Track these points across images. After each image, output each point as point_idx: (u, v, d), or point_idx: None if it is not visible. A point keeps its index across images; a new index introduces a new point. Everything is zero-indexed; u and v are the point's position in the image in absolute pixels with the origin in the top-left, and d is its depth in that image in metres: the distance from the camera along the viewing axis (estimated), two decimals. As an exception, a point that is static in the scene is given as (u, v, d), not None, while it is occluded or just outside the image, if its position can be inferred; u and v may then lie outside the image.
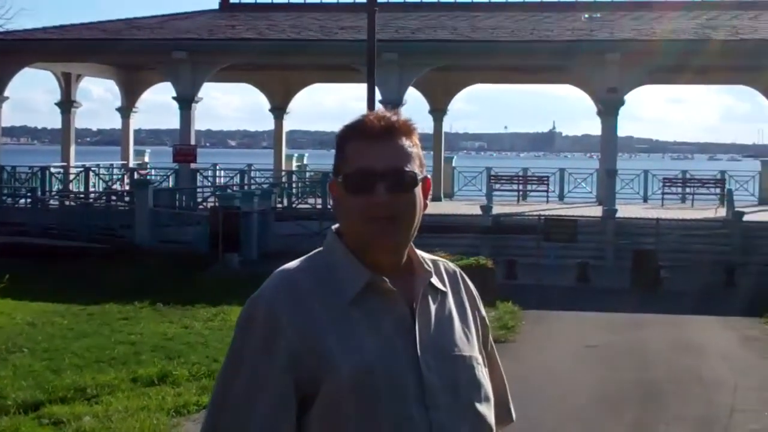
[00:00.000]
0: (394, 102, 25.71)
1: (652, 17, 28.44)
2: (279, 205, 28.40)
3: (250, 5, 32.24)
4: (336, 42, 26.93)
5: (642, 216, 26.51)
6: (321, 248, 2.34)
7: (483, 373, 2.34)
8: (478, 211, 25.23)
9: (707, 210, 29.94)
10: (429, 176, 2.35)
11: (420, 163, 2.30)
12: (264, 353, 2.19)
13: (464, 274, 2.47)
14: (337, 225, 2.34)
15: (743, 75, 31.70)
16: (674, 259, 21.60)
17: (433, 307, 2.31)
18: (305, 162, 39.59)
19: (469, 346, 2.33)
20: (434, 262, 2.39)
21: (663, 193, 33.15)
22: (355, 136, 2.28)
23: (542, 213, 26.44)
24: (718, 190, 33.01)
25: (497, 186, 32.83)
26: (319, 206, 28.07)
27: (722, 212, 28.47)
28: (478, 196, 33.73)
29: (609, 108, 26.10)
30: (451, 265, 2.45)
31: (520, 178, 34.89)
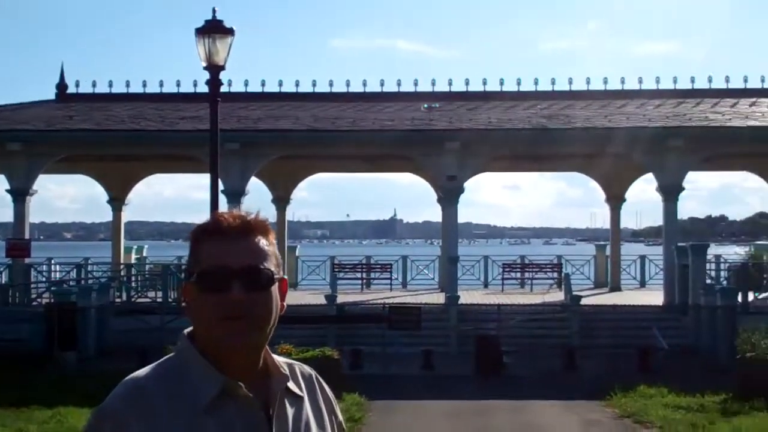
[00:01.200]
0: (236, 192, 25.58)
1: (488, 107, 29.24)
2: (118, 300, 27.60)
3: (88, 96, 31.61)
4: (176, 132, 26.64)
5: (484, 302, 26.93)
6: (172, 354, 2.25)
7: None
8: (322, 300, 25.12)
9: (540, 294, 30.66)
10: (286, 277, 2.31)
11: (276, 263, 2.25)
12: None
13: (320, 378, 2.42)
14: (189, 329, 2.26)
15: (576, 162, 32.86)
16: (516, 344, 21.90)
17: (290, 413, 2.24)
18: (144, 254, 38.76)
19: None
20: (290, 365, 2.33)
21: (503, 279, 33.76)
22: (209, 236, 2.22)
23: (386, 301, 26.53)
24: (555, 275, 33.88)
25: (341, 274, 32.85)
26: (160, 299, 27.41)
27: (558, 295, 29.23)
28: (322, 285, 33.67)
29: (449, 195, 26.59)
30: (307, 369, 2.39)
31: (364, 266, 35.04)
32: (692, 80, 30.36)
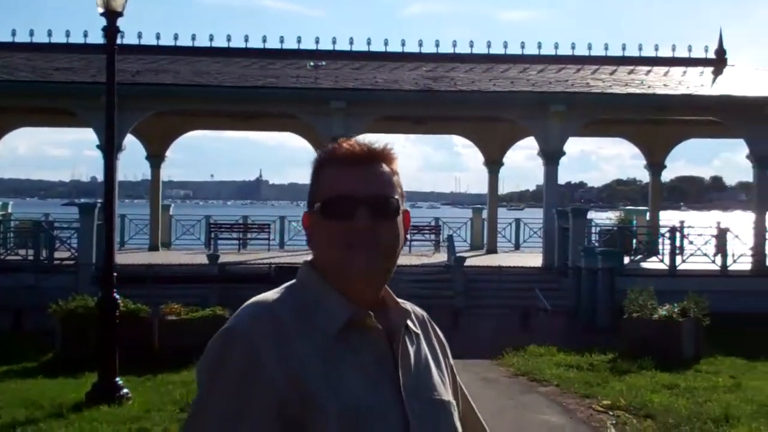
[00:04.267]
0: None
1: (373, 67, 29.07)
2: (-15, 258, 26.43)
3: (-48, 45, 30.08)
4: (54, 84, 25.64)
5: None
6: (293, 281, 2.18)
7: (458, 421, 2.22)
8: (200, 260, 24.69)
9: (419, 255, 30.81)
10: (408, 209, 2.25)
11: (401, 193, 2.20)
12: (241, 399, 1.97)
13: (432, 320, 2.38)
14: (309, 258, 2.20)
15: (457, 125, 33.06)
16: (403, 305, 21.92)
17: (411, 349, 2.19)
18: (10, 210, 37.31)
19: (447, 392, 2.23)
20: (404, 304, 2.28)
21: (379, 240, 33.80)
22: (333, 162, 2.16)
23: (265, 261, 26.28)
24: (433, 236, 34.13)
25: (217, 234, 32.36)
26: (32, 257, 26.42)
27: (437, 257, 29.45)
28: (196, 245, 33.24)
29: (335, 156, 26.26)
30: (419, 309, 2.35)
31: (241, 226, 34.61)
32: (572, 46, 30.86)
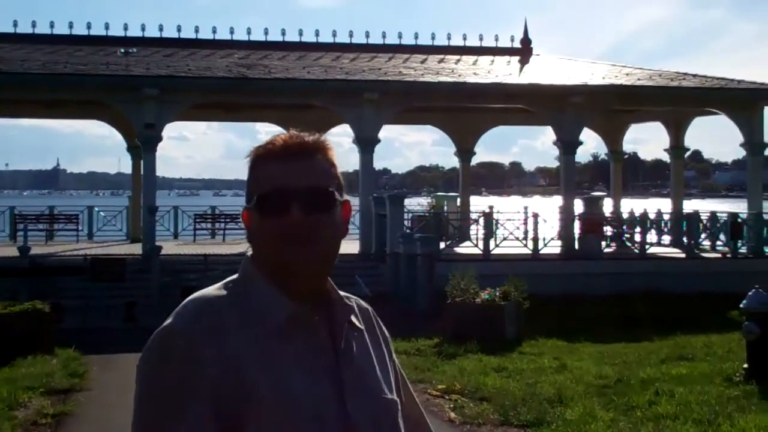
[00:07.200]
0: None
1: (185, 54, 28.57)
2: None
3: None
4: None
5: (178, 252, 26.42)
6: (235, 276, 2.14)
7: (401, 420, 2.19)
8: (7, 252, 23.74)
9: (234, 244, 30.57)
10: (348, 199, 2.19)
11: (339, 184, 2.14)
12: (181, 394, 1.93)
13: (376, 314, 2.32)
14: (251, 253, 2.15)
15: (272, 113, 32.85)
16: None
17: (353, 345, 2.15)
18: None
19: (389, 389, 2.20)
20: (348, 298, 2.23)
21: (195, 229, 33.35)
22: (266, 157, 2.11)
23: (78, 252, 25.50)
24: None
25: (23, 225, 31.15)
26: None
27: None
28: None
29: (148, 144, 25.64)
30: (364, 303, 2.30)
31: (47, 217, 33.44)
32: (383, 35, 31.25)
